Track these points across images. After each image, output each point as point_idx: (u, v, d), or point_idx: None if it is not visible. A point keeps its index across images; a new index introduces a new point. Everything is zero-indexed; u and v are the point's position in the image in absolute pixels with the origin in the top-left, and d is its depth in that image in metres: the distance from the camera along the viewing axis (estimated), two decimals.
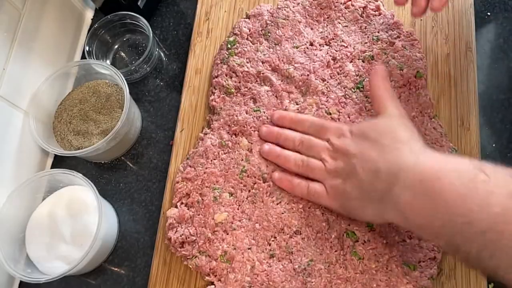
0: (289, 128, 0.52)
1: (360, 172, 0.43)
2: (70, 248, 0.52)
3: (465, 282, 0.46)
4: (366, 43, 0.56)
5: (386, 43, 0.56)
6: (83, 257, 0.48)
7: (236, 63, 0.57)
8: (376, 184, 0.42)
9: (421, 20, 0.58)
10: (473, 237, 0.34)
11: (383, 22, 0.58)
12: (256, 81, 0.56)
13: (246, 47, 0.58)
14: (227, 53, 0.59)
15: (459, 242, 0.35)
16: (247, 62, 0.57)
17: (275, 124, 0.54)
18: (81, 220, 0.53)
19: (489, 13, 0.60)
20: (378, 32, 0.57)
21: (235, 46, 0.59)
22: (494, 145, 0.55)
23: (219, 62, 0.59)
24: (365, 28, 0.57)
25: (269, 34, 0.58)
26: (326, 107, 0.53)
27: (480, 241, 0.34)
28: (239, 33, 0.59)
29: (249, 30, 0.59)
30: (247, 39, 0.59)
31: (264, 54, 0.57)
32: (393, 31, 0.57)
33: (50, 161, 0.63)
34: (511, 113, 0.56)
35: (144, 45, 0.67)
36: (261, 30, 0.59)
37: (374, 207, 0.43)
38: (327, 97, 0.54)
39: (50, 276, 0.49)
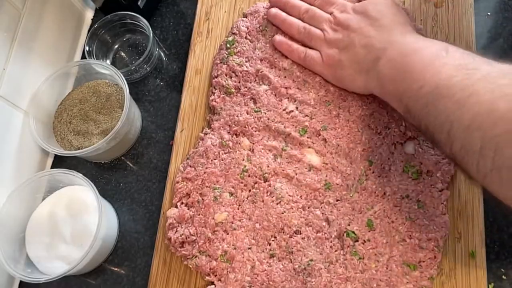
0: None
1: (357, 45, 0.49)
2: (70, 248, 0.52)
3: (465, 282, 0.46)
4: None
5: None
6: (83, 257, 0.48)
7: (236, 63, 0.57)
8: (368, 57, 0.47)
9: (421, 20, 0.58)
10: (420, 98, 0.41)
11: None
12: (255, 80, 0.56)
13: (244, 46, 0.58)
14: (226, 52, 0.59)
15: (411, 104, 0.42)
16: (246, 61, 0.57)
17: None
18: (81, 220, 0.53)
19: (489, 13, 0.60)
20: None
21: (234, 45, 0.59)
22: None
23: (218, 62, 0.59)
24: None
25: (266, 29, 0.59)
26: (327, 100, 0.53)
27: (424, 100, 0.40)
28: (237, 32, 0.59)
29: (247, 29, 0.59)
30: (245, 37, 0.59)
31: (262, 51, 0.57)
32: None
33: (50, 161, 0.63)
34: None
35: (144, 45, 0.67)
36: (259, 27, 0.59)
37: (362, 78, 0.49)
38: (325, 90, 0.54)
39: (50, 276, 0.49)
